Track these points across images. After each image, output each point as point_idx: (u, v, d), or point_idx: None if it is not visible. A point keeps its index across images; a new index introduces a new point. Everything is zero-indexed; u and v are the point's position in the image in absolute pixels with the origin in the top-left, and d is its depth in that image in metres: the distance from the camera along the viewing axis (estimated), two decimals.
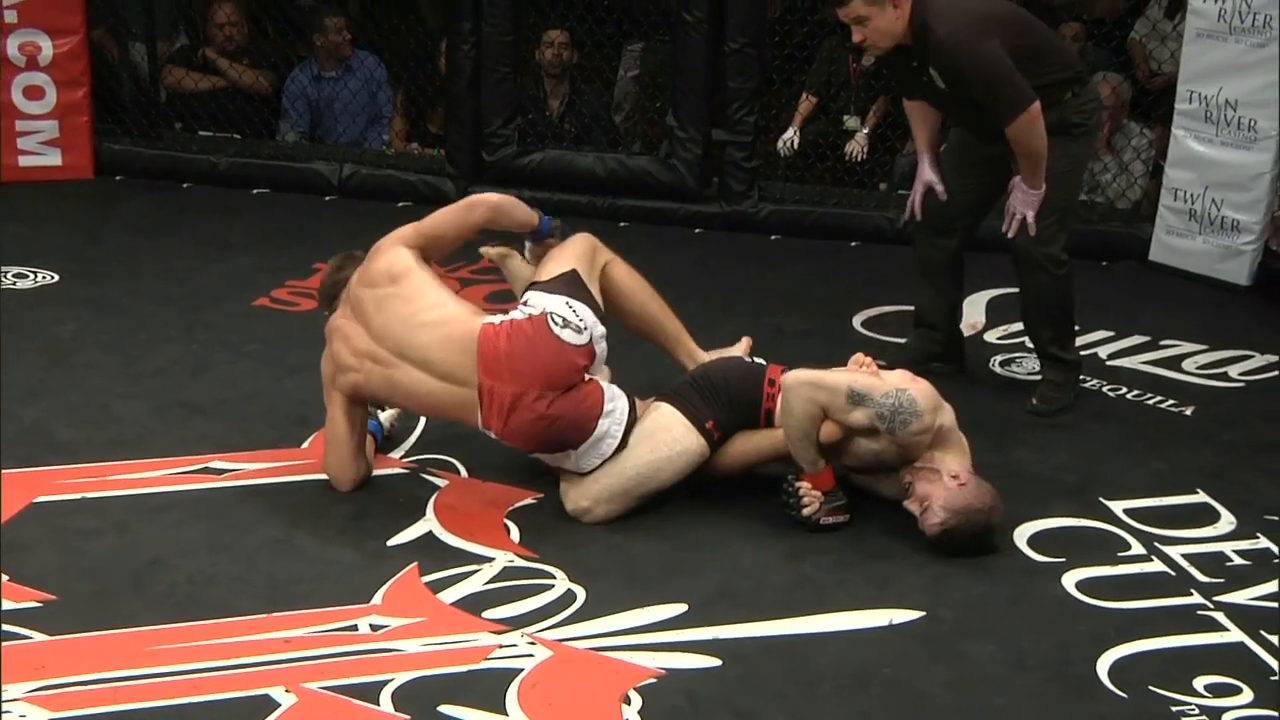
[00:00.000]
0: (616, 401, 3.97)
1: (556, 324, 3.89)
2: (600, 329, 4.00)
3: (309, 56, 7.56)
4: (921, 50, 4.42)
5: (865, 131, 7.19)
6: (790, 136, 7.31)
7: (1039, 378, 4.95)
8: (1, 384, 4.71)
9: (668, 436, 3.97)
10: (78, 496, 4.04)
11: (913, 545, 3.86)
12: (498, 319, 3.95)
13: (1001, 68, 4.33)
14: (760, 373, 4.08)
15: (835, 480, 3.94)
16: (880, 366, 4.09)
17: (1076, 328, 4.92)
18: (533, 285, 4.11)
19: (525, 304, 4.01)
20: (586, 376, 3.95)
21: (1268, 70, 5.77)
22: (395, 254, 4.05)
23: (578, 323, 3.92)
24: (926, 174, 4.83)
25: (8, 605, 3.47)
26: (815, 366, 4.10)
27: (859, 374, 3.94)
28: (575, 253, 4.18)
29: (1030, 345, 4.97)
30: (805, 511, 3.91)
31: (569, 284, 4.05)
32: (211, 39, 7.64)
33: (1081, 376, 4.96)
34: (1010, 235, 4.60)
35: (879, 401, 3.81)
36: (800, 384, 3.87)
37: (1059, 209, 4.59)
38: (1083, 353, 5.30)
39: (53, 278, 5.80)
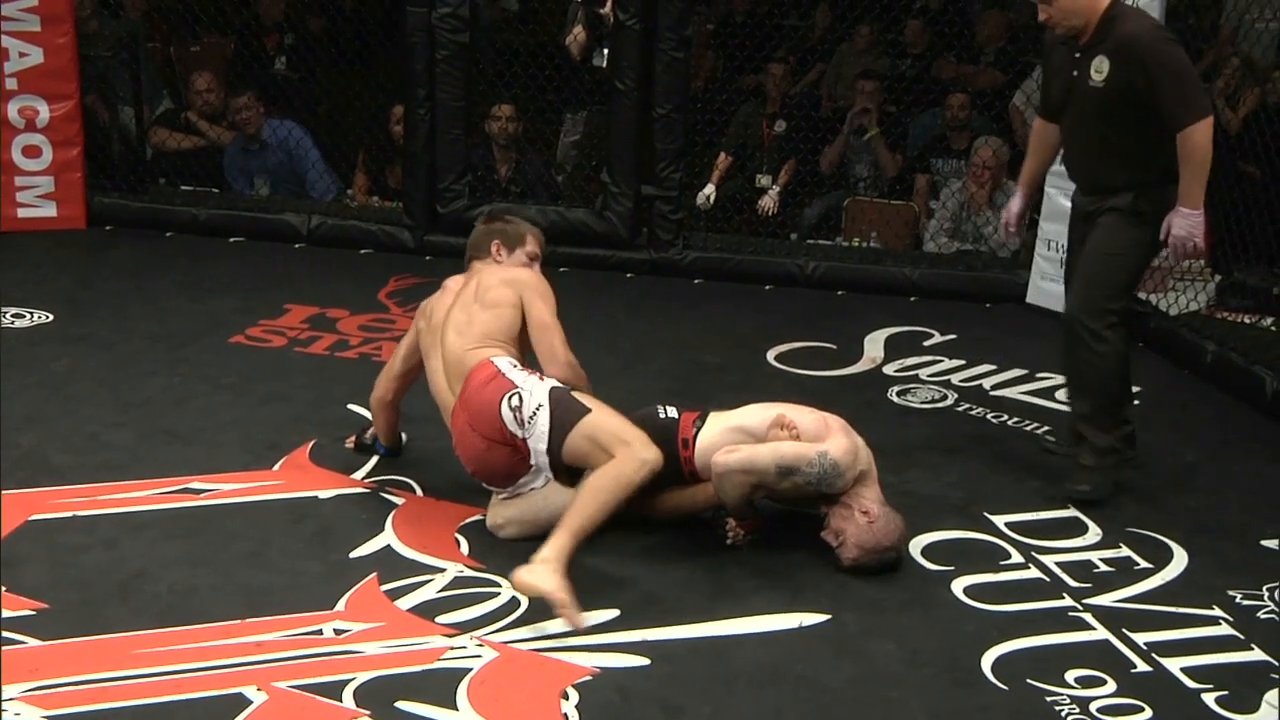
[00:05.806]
0: (541, 473, 3.86)
1: (511, 403, 3.80)
2: (542, 447, 3.77)
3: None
4: (1099, 41, 4.12)
5: (777, 189, 7.24)
6: (708, 192, 7.34)
7: (932, 406, 4.96)
8: (1, 414, 4.65)
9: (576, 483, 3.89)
10: (69, 515, 3.98)
11: (820, 557, 3.87)
12: (504, 361, 3.90)
13: (1188, 67, 4.03)
14: (673, 430, 3.97)
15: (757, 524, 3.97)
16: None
17: (1124, 418, 4.44)
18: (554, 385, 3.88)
19: (536, 374, 3.90)
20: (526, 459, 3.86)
21: None
22: (505, 293, 4.02)
23: (526, 417, 3.78)
24: (1013, 206, 4.69)
25: (5, 614, 3.42)
26: (732, 400, 4.13)
27: (783, 445, 3.82)
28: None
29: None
30: (728, 541, 3.94)
31: (567, 404, 3.79)
32: (192, 104, 7.63)
33: (1123, 457, 4.42)
34: (1173, 262, 4.30)
35: (805, 471, 3.79)
36: (731, 471, 3.79)
37: (1110, 286, 4.27)
38: (967, 384, 5.33)
39: (48, 318, 5.72)
